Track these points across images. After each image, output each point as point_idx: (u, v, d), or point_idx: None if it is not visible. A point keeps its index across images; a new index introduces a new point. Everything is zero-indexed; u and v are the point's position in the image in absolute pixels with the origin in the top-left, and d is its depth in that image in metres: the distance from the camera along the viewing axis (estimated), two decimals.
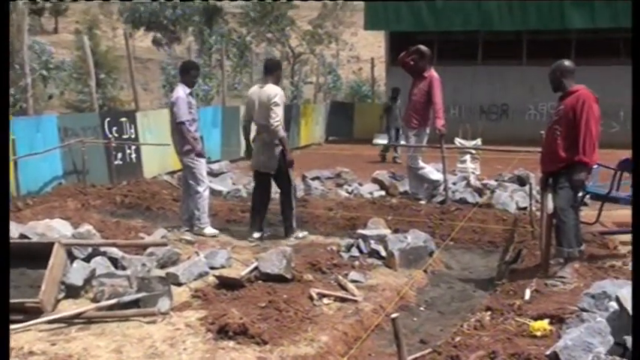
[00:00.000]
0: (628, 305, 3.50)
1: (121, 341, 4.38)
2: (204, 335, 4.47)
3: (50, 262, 4.92)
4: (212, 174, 10.83)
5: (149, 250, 6.01)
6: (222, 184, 10.35)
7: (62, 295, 5.09)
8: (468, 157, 11.61)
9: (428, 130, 9.24)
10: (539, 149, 6.13)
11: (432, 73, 9.11)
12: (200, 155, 7.46)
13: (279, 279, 5.47)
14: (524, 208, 8.35)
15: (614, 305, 3.75)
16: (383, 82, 23.92)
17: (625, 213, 7.89)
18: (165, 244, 6.08)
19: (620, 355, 3.44)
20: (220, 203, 9.05)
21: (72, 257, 5.45)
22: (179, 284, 5.45)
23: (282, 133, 7.19)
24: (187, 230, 7.53)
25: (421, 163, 9.24)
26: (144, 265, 5.58)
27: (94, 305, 4.86)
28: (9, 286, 4.11)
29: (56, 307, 4.94)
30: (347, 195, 9.88)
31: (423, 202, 9.00)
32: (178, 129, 7.37)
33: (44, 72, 18.68)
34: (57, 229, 6.15)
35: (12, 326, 4.29)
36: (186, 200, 7.68)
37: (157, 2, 28.81)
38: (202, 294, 5.24)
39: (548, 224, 5.81)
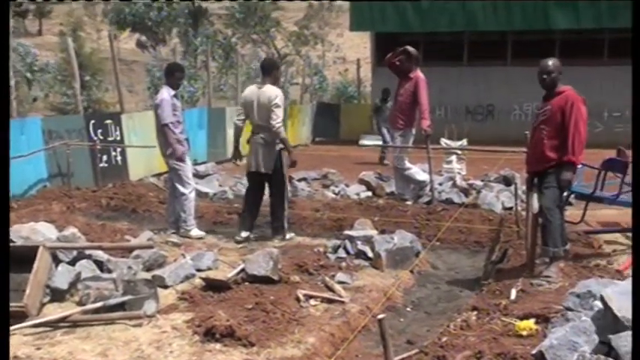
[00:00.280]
0: (612, 304, 3.53)
1: (107, 344, 4.36)
2: (191, 338, 4.45)
3: (35, 266, 4.88)
4: (198, 176, 10.79)
5: (135, 252, 5.98)
6: (208, 186, 10.32)
7: (47, 298, 5.06)
8: (453, 157, 11.66)
9: (414, 131, 9.26)
10: (525, 149, 6.16)
11: (418, 73, 9.13)
12: (180, 159, 7.41)
13: (266, 280, 5.46)
14: (510, 208, 8.39)
15: (598, 304, 3.77)
16: (369, 82, 23.95)
17: (609, 213, 7.99)
18: (151, 247, 6.04)
19: (605, 353, 3.47)
20: (207, 205, 9.02)
21: (57, 260, 5.40)
22: (165, 287, 5.43)
23: (284, 133, 7.27)
24: (173, 232, 7.49)
25: (407, 164, 9.26)
26: (130, 267, 5.56)
27: (79, 309, 4.83)
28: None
29: (41, 311, 4.90)
30: (334, 196, 9.89)
31: (409, 202, 9.02)
32: (163, 131, 7.35)
33: (28, 74, 18.57)
34: (42, 232, 6.09)
35: None
36: (172, 202, 7.66)
37: (142, 4, 28.67)
38: (189, 296, 5.22)
39: (534, 224, 5.84)
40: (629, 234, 7.23)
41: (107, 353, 4.23)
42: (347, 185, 10.50)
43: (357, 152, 15.53)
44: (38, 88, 20.51)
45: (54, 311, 4.89)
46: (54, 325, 4.64)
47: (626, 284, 3.73)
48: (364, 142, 18.12)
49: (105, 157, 11.11)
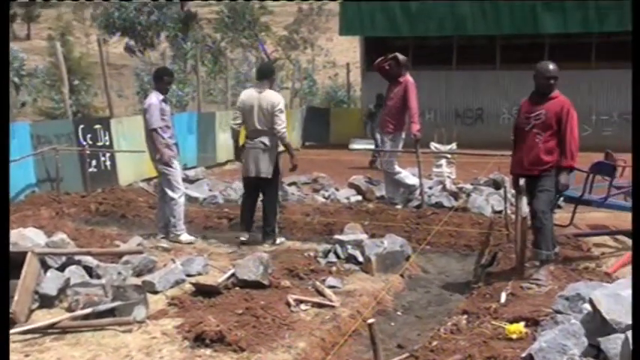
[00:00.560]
0: (601, 307, 3.55)
1: (96, 351, 4.33)
2: (181, 343, 4.43)
3: (23, 272, 4.85)
4: (188, 180, 10.77)
5: (125, 258, 5.95)
6: (198, 191, 10.28)
7: (36, 305, 5.02)
8: (443, 161, 11.69)
9: (403, 135, 9.28)
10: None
11: (408, 78, 9.16)
12: (167, 164, 7.40)
13: (257, 285, 5.45)
14: (500, 212, 8.42)
15: (587, 307, 3.79)
16: (359, 87, 24.00)
17: (598, 215, 8.03)
18: (140, 252, 6.03)
19: (594, 356, 3.48)
20: (196, 210, 9.00)
21: (46, 266, 5.37)
22: (155, 292, 5.40)
23: (288, 138, 7.41)
24: (163, 237, 7.48)
25: (397, 168, 9.28)
26: (119, 273, 5.53)
27: (68, 315, 4.79)
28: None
29: (30, 318, 4.86)
30: (324, 200, 9.88)
31: (399, 206, 9.04)
32: (151, 136, 7.33)
33: (16, 79, 18.46)
34: (30, 238, 6.05)
35: None
36: (162, 207, 7.64)
37: (132, 8, 28.61)
38: (179, 302, 5.20)
39: (523, 227, 5.87)
40: (618, 236, 7.29)
41: None
42: (337, 189, 10.51)
43: (347, 156, 15.53)
44: (26, 92, 20.41)
45: (43, 317, 4.86)
46: (43, 331, 4.60)
47: (615, 287, 3.75)
48: (354, 146, 18.13)
49: (94, 162, 11.04)
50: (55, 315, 4.86)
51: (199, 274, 5.94)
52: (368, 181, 10.64)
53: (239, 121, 7.38)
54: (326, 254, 6.55)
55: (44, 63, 23.14)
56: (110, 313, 4.79)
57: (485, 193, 9.53)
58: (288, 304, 5.18)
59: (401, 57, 9.18)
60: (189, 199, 9.24)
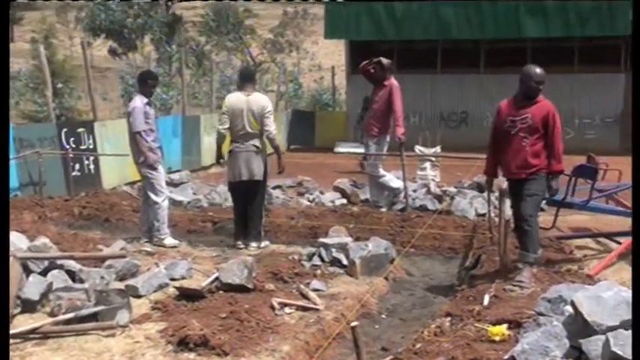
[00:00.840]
0: (583, 309, 3.58)
1: (79, 356, 4.30)
2: (164, 348, 4.42)
3: None
4: (172, 184, 10.74)
5: (108, 262, 5.91)
6: (182, 194, 10.25)
7: (18, 310, 4.97)
8: (428, 164, 11.73)
9: (388, 138, 9.31)
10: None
11: (392, 81, 9.19)
12: (151, 167, 7.38)
13: (241, 289, 5.44)
14: (483, 215, 8.46)
15: (569, 309, 3.82)
16: (344, 90, 24.04)
17: (580, 218, 8.09)
18: (124, 256, 5.99)
19: (576, 358, 3.51)
20: (181, 213, 8.97)
21: (28, 271, 5.32)
22: (139, 296, 5.37)
23: (277, 140, 7.50)
24: (147, 241, 7.44)
25: (382, 171, 9.30)
26: (102, 277, 5.49)
27: (50, 320, 4.76)
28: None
29: (11, 323, 4.82)
30: (308, 203, 9.89)
31: (383, 209, 9.06)
32: (134, 139, 7.31)
33: None
34: (12, 242, 5.99)
35: None
36: (145, 211, 7.60)
37: (119, 11, 28.47)
38: (162, 306, 5.17)
39: (506, 230, 5.91)
40: (599, 239, 7.35)
41: None
42: (322, 193, 10.52)
43: (333, 159, 15.54)
44: (9, 95, 20.23)
45: (25, 322, 4.80)
46: (24, 336, 4.56)
47: (596, 289, 3.78)
48: (339, 149, 18.16)
49: (77, 166, 10.98)
50: (37, 320, 4.82)
51: (183, 278, 5.92)
52: (353, 185, 10.66)
53: (227, 126, 7.33)
54: (310, 257, 6.55)
55: (27, 66, 22.97)
56: (93, 317, 4.76)
57: (469, 196, 9.58)
58: (273, 308, 5.17)
59: (385, 61, 9.21)
60: (174, 203, 9.21)
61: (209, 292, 5.40)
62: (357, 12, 19.66)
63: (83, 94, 20.12)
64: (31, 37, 33.02)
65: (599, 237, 7.38)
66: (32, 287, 5.07)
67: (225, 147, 7.57)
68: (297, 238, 7.94)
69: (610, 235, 7.21)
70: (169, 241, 7.46)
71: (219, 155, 7.74)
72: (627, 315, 3.48)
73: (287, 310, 5.23)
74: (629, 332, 3.35)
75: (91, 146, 11.43)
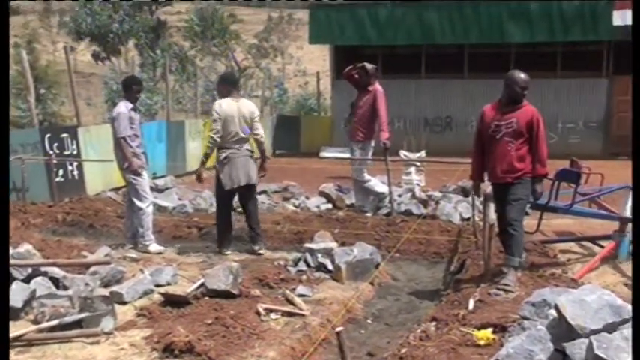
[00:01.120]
0: (566, 312, 3.60)
1: None
2: (150, 354, 4.39)
3: None
4: (157, 190, 10.70)
5: (92, 268, 5.87)
6: (167, 200, 10.21)
7: None
8: (412, 169, 11.79)
9: (373, 143, 9.33)
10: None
11: (377, 86, 9.22)
12: (135, 173, 7.34)
13: (226, 295, 5.42)
14: (468, 219, 8.51)
15: (553, 313, 3.84)
16: (329, 95, 24.08)
17: (563, 222, 8.16)
18: (108, 263, 5.96)
19: None
20: (166, 219, 8.93)
21: (11, 278, 5.28)
22: (123, 303, 5.34)
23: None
24: (132, 247, 7.41)
25: (367, 176, 9.32)
26: (87, 284, 5.45)
27: (34, 327, 4.72)
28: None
29: None
30: (294, 209, 9.89)
31: (369, 214, 9.08)
32: (119, 144, 7.28)
33: None
34: None
35: None
36: (130, 217, 7.57)
37: (105, 16, 28.31)
38: (147, 312, 5.14)
39: (491, 234, 5.94)
40: (583, 242, 7.41)
41: None
42: (307, 198, 10.53)
43: (318, 165, 15.55)
44: None
45: None
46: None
47: (579, 292, 3.81)
48: (325, 154, 18.18)
49: (61, 172, 10.91)
50: (21, 327, 4.77)
51: (168, 284, 5.90)
52: (338, 190, 10.67)
53: (221, 134, 7.19)
54: (296, 263, 6.56)
55: (10, 71, 22.79)
56: (77, 324, 4.72)
57: (454, 200, 9.62)
58: (258, 314, 5.16)
59: (369, 66, 9.25)
60: (159, 209, 9.18)
61: (194, 298, 5.38)
62: (341, 17, 19.73)
63: (67, 99, 20.02)
64: (14, 42, 32.78)
65: (583, 241, 7.44)
66: (15, 294, 5.02)
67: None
68: (283, 243, 7.93)
69: (593, 239, 7.27)
70: (154, 247, 7.42)
71: (202, 167, 7.53)
72: (610, 318, 3.51)
73: (273, 315, 5.22)
74: (612, 335, 3.38)
75: (75, 152, 11.35)
